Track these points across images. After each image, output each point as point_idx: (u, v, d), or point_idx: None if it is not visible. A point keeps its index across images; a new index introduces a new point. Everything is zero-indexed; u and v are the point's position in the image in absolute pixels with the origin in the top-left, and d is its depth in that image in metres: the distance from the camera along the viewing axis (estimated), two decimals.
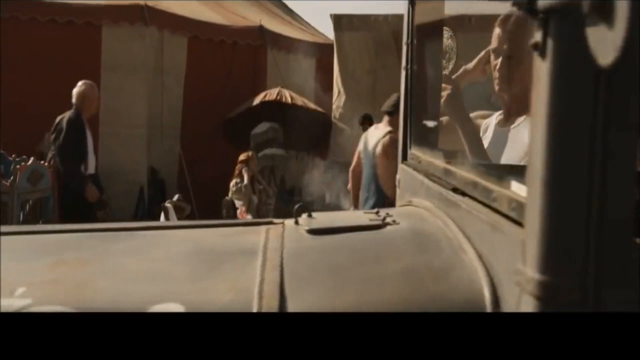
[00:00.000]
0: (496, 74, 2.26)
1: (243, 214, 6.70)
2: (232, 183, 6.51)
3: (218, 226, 1.39)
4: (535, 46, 0.81)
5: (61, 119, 5.51)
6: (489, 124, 2.34)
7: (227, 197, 6.78)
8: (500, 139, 2.26)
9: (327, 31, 16.13)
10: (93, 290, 1.10)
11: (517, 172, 1.09)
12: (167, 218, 6.54)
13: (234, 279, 1.12)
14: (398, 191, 1.83)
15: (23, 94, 9.03)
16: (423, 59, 1.79)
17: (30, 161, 4.89)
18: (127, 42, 9.80)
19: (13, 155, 5.12)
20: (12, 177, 4.55)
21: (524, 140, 2.23)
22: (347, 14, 9.52)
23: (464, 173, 1.22)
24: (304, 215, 1.37)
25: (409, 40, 1.77)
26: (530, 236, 0.81)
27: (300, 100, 9.93)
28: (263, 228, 1.35)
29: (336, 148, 9.53)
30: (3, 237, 1.26)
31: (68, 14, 9.52)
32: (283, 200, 8.87)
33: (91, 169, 5.53)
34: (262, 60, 10.85)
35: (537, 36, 0.80)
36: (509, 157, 2.15)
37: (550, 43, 0.78)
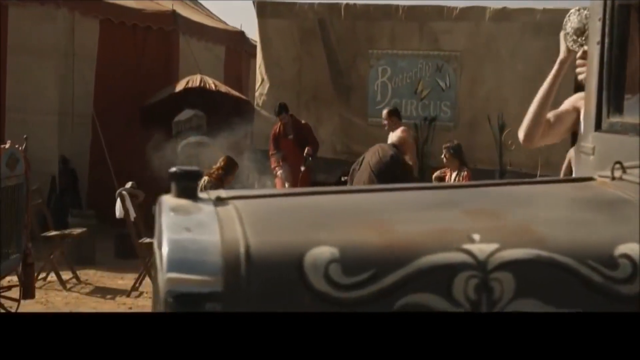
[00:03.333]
0: None
1: None
2: (206, 180, 6.13)
3: (535, 183, 1.50)
4: None
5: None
6: None
7: None
8: None
9: (230, 21, 15.99)
10: (537, 235, 1.18)
11: None
12: (124, 205, 6.33)
13: None
14: (589, 158, 1.98)
15: None
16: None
17: (7, 144, 4.60)
18: (37, 23, 9.29)
19: None
20: None
21: None
22: (271, 1, 9.51)
23: None
24: (612, 172, 1.49)
25: (607, 15, 1.93)
26: None
27: (223, 88, 9.84)
28: (590, 183, 1.47)
29: (259, 136, 9.53)
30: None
31: None
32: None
33: None
34: (174, 45, 10.63)
35: None
36: None
37: None
